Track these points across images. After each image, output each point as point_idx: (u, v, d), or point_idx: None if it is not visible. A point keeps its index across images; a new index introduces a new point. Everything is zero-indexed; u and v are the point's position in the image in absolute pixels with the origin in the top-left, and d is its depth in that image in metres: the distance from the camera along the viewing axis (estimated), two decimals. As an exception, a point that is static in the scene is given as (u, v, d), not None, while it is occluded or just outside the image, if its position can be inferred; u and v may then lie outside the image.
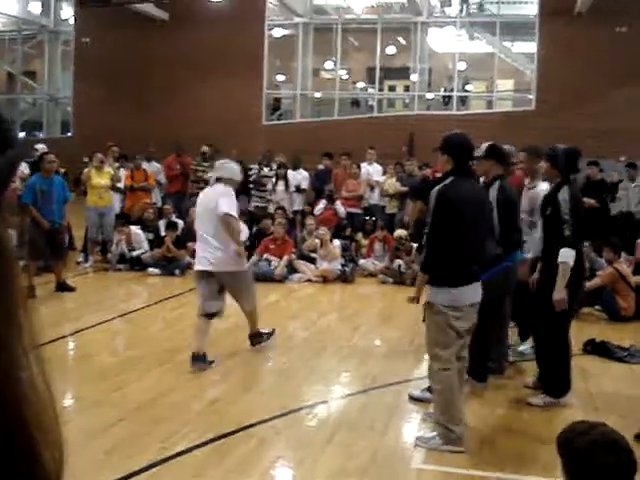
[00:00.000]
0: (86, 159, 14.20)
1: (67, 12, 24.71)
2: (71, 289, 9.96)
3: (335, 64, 23.31)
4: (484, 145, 6.43)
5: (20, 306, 0.50)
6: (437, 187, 4.89)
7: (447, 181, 4.88)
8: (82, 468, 4.46)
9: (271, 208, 13.48)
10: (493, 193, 6.09)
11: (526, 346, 7.22)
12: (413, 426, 5.34)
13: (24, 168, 13.04)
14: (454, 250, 4.82)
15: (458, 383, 4.97)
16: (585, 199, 10.72)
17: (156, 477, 4.36)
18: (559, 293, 5.63)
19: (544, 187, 6.72)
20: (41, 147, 13.70)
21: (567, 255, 5.62)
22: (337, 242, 11.74)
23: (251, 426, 5.18)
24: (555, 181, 5.96)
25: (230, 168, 7.03)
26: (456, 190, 4.84)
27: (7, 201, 0.54)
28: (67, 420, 5.28)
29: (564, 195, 5.73)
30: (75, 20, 23.40)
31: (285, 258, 11.38)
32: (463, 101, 23.11)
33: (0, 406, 0.47)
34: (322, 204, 13.02)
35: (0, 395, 0.47)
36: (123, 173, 13.02)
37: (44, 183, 9.92)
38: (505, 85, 23.90)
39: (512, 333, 7.14)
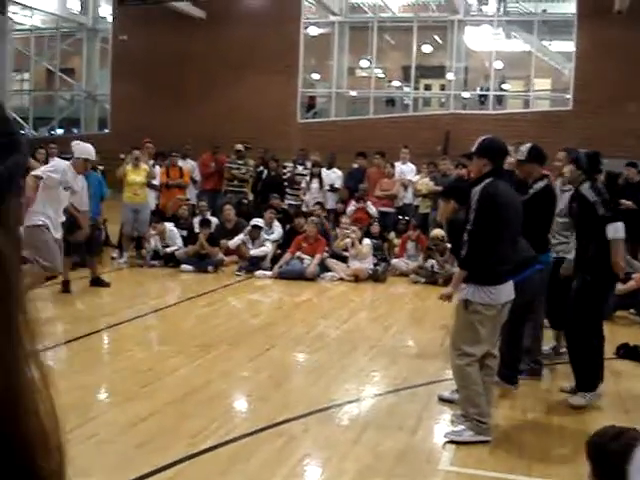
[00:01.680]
0: (122, 156, 14.35)
1: (105, 10, 24.99)
2: (106, 284, 10.08)
3: (371, 62, 23.26)
4: (524, 147, 6.44)
5: (20, 313, 0.51)
6: (479, 187, 4.93)
7: (487, 181, 4.95)
8: (113, 461, 4.54)
9: (306, 206, 13.53)
10: (536, 194, 6.13)
11: (547, 347, 7.19)
12: (442, 427, 5.32)
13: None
14: (495, 248, 4.91)
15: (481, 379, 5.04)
16: (622, 201, 10.64)
17: (184, 472, 4.40)
18: (617, 265, 5.67)
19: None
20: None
21: (615, 229, 5.65)
22: (367, 241, 11.73)
23: (280, 424, 5.21)
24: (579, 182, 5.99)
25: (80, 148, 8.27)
26: (497, 190, 4.93)
27: (13, 207, 0.56)
28: (99, 414, 5.37)
29: (585, 187, 5.80)
30: (113, 18, 23.65)
31: (317, 257, 11.39)
32: (499, 100, 22.92)
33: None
34: (353, 205, 13.02)
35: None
36: (158, 170, 13.14)
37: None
38: (542, 84, 23.65)
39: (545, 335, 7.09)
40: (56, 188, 8.20)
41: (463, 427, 5.02)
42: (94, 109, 25.37)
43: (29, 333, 0.52)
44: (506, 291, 5.01)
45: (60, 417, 0.55)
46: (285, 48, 21.65)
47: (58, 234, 8.29)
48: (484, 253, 4.89)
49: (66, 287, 9.71)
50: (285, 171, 14.86)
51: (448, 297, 5.29)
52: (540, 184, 6.24)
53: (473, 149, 5.15)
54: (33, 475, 0.50)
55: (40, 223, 7.99)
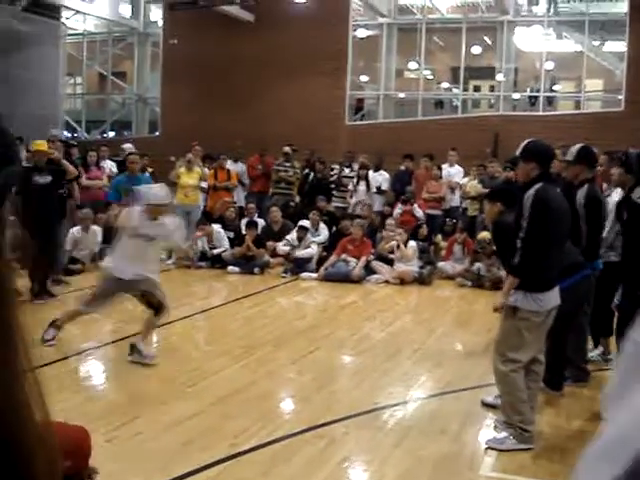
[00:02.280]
0: (173, 158, 14.55)
1: (156, 14, 25.33)
2: None
3: (419, 64, 23.15)
4: (574, 148, 6.31)
5: (15, 328, 0.53)
6: (530, 192, 4.86)
7: (538, 186, 4.87)
8: (158, 459, 4.61)
9: (354, 209, 13.55)
10: (581, 199, 6.01)
11: (594, 353, 7.06)
12: (485, 432, 5.28)
13: (112, 166, 13.49)
14: (547, 254, 4.85)
15: (525, 386, 4.98)
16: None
17: (226, 472, 4.45)
18: None
19: (615, 196, 6.59)
20: (128, 147, 14.12)
21: None
22: (413, 243, 11.68)
23: (321, 426, 5.24)
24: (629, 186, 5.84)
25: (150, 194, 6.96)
26: (549, 195, 4.88)
27: (3, 218, 0.57)
28: (145, 412, 5.46)
29: (638, 192, 5.64)
30: (163, 22, 23.97)
31: (363, 259, 11.40)
32: (550, 101, 22.61)
33: None
34: (399, 208, 12.99)
35: None
36: (207, 172, 13.29)
37: (128, 182, 10.21)
38: (594, 85, 23.26)
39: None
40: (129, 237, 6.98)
41: (505, 434, 4.97)
42: (145, 112, 25.73)
43: (24, 349, 0.53)
44: (553, 297, 4.96)
45: (52, 430, 0.56)
46: (333, 50, 21.68)
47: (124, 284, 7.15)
48: (536, 260, 4.84)
49: None
50: (332, 173, 14.88)
51: (502, 307, 5.16)
52: (584, 189, 6.09)
53: (518, 153, 5.10)
54: None
55: (108, 265, 7.13)
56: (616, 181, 6.33)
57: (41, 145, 9.48)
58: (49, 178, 9.28)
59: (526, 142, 5.15)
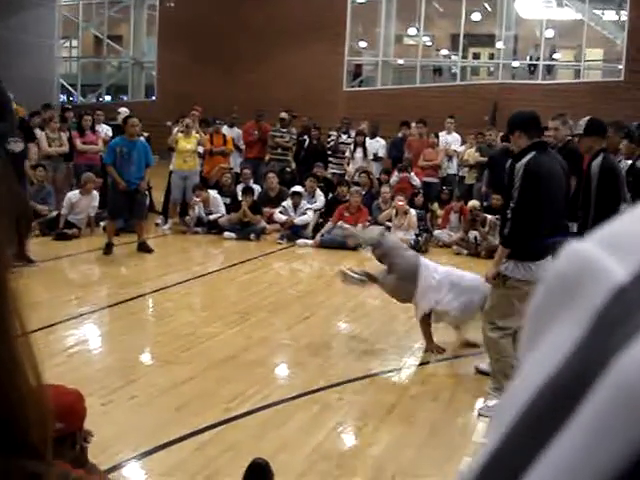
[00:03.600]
0: (169, 123, 14.46)
1: (153, -24, 25.04)
2: (149, 250, 10.22)
3: (418, 30, 22.98)
4: (582, 120, 6.32)
5: (4, 292, 0.52)
6: (523, 161, 4.85)
7: (529, 156, 4.85)
8: (152, 422, 4.65)
9: (353, 177, 13.50)
10: (595, 168, 5.98)
11: None
12: (476, 400, 5.32)
13: (107, 131, 13.41)
14: (538, 224, 4.85)
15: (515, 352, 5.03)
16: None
17: (220, 436, 4.49)
18: None
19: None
20: (124, 110, 14.03)
21: None
22: (413, 211, 11.67)
23: (315, 391, 5.27)
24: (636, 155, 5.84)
25: None
26: (540, 164, 4.84)
27: None
28: (140, 376, 5.49)
29: None
30: (161, -15, 23.72)
31: (359, 226, 11.39)
32: (549, 70, 22.49)
33: None
34: (396, 175, 12.94)
35: None
36: (203, 137, 13.21)
37: (126, 145, 10.16)
38: (594, 54, 23.12)
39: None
40: None
41: (497, 401, 5.01)
42: (141, 76, 25.56)
43: (14, 307, 0.52)
44: (545, 266, 4.96)
45: (45, 392, 0.56)
46: (332, 15, 21.49)
47: None
48: (527, 230, 4.83)
49: (109, 249, 9.88)
50: (329, 140, 14.82)
51: (495, 277, 5.16)
52: (598, 159, 6.06)
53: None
54: (21, 444, 0.51)
55: None
56: (625, 154, 6.33)
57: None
58: (22, 145, 9.15)
59: (511, 115, 5.16)
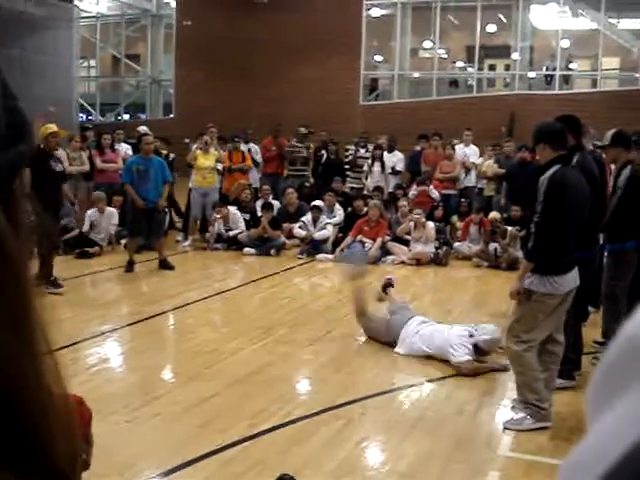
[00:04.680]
0: (187, 140, 14.55)
1: (169, -4, 25.27)
2: (171, 267, 10.27)
3: (434, 43, 23.00)
4: (609, 133, 6.39)
5: (29, 310, 0.51)
6: (547, 174, 4.82)
7: (554, 169, 4.82)
8: (177, 440, 4.65)
9: (367, 189, 13.51)
10: (623, 179, 6.02)
11: None
12: (502, 412, 5.29)
13: (127, 149, 13.51)
14: (562, 238, 4.81)
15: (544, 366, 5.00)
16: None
17: (244, 452, 4.49)
18: None
19: None
20: (143, 129, 14.12)
21: None
22: (431, 224, 11.65)
23: (339, 406, 5.26)
24: None
25: None
26: (565, 179, 4.81)
27: (18, 194, 0.55)
28: (163, 393, 5.50)
29: None
30: (177, 3, 23.92)
31: (379, 240, 11.39)
32: (566, 80, 22.42)
33: (10, 420, 0.49)
34: (414, 189, 12.93)
35: (10, 410, 0.49)
36: (221, 154, 13.29)
37: (142, 163, 10.24)
38: (610, 63, 23.02)
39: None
40: None
41: (523, 415, 4.98)
42: (159, 94, 25.75)
43: (41, 333, 0.52)
44: (571, 280, 4.92)
45: (74, 421, 0.55)
46: (348, 30, 21.57)
47: None
48: (552, 243, 4.79)
49: (130, 267, 9.95)
50: (347, 154, 14.85)
51: (519, 293, 5.07)
52: (627, 170, 6.12)
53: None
54: (45, 468, 0.51)
55: None
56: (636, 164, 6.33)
57: (53, 128, 9.40)
58: (61, 166, 9.23)
59: (536, 125, 5.13)
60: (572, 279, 4.92)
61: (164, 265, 10.26)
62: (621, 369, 0.38)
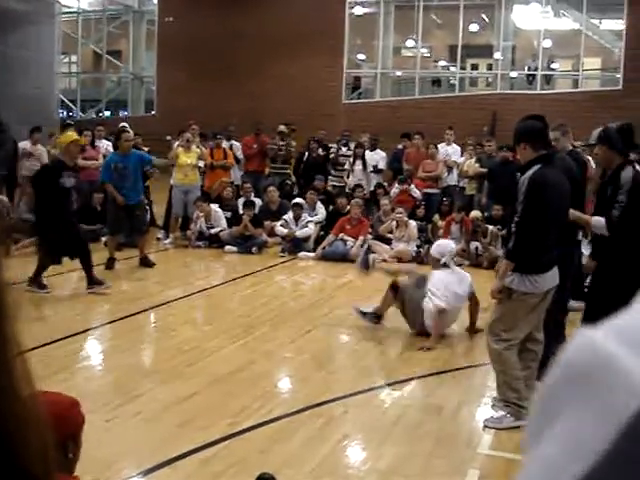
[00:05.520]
0: (169, 137, 14.48)
1: (151, -8, 25.14)
2: (151, 265, 10.22)
3: (416, 42, 23.05)
4: (595, 131, 6.34)
5: (4, 317, 0.51)
6: (527, 174, 4.84)
7: (535, 169, 4.83)
8: (157, 438, 4.63)
9: (349, 188, 13.51)
10: (626, 178, 5.95)
11: None
12: (482, 411, 5.31)
13: (107, 146, 13.43)
14: (542, 238, 4.83)
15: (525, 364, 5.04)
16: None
17: (225, 451, 4.47)
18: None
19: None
20: (124, 126, 14.03)
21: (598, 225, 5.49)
22: (413, 223, 11.68)
23: (320, 405, 5.26)
24: (616, 164, 5.75)
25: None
26: (546, 179, 4.82)
27: None
28: (144, 392, 5.47)
29: (627, 174, 5.55)
30: (159, 0, 23.80)
31: (361, 238, 11.40)
32: (548, 80, 22.55)
33: None
34: (396, 187, 12.95)
35: None
36: (203, 152, 13.24)
37: (120, 161, 10.17)
38: (592, 64, 23.19)
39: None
40: None
41: (503, 413, 5.00)
42: (141, 91, 25.61)
43: (14, 337, 0.52)
44: (550, 279, 4.94)
45: (46, 422, 0.55)
46: (331, 28, 21.56)
47: None
48: (532, 243, 4.81)
49: (111, 264, 9.87)
50: (330, 152, 14.84)
51: (499, 292, 5.07)
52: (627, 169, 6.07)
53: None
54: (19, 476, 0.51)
55: None
56: (602, 161, 6.28)
57: (74, 137, 9.04)
58: (73, 180, 8.82)
59: (516, 125, 5.13)
60: (552, 278, 4.95)
61: (145, 263, 10.20)
62: (562, 390, 0.38)
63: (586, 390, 0.36)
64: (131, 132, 11.06)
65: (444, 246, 7.59)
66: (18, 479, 0.51)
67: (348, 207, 11.94)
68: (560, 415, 0.37)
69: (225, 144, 13.89)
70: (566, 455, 0.36)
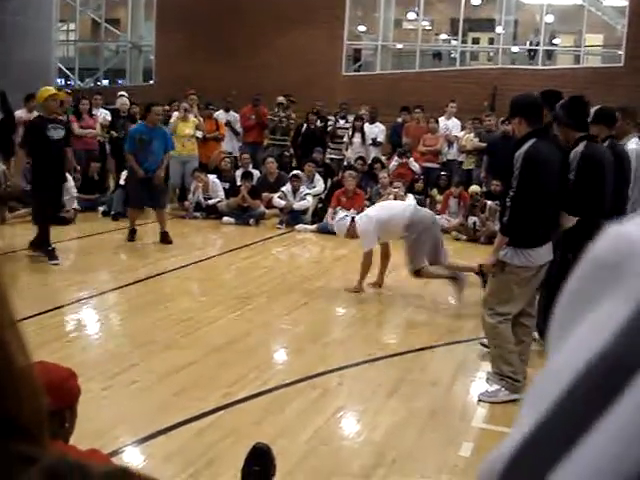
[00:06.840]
0: (167, 107, 14.39)
1: (151, -41, 24.83)
2: (170, 242, 9.95)
3: (418, 15, 22.84)
4: (592, 109, 6.33)
5: None
6: (522, 149, 4.82)
7: (529, 144, 4.81)
8: (152, 407, 4.65)
9: (347, 160, 13.46)
10: (574, 155, 5.94)
11: None
12: (476, 384, 5.33)
13: (105, 115, 13.35)
14: (537, 212, 4.84)
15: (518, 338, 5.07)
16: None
17: (219, 421, 4.49)
18: None
19: (632, 145, 6.53)
20: (123, 96, 13.95)
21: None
22: (411, 197, 11.65)
23: (315, 376, 5.28)
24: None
25: None
26: (540, 153, 4.81)
27: None
28: (140, 361, 5.48)
29: (577, 151, 5.52)
30: (159, -33, 23.52)
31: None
32: (549, 55, 22.39)
33: None
34: (395, 161, 12.90)
35: None
36: (202, 121, 13.15)
37: (146, 133, 9.99)
38: (594, 40, 23.02)
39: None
40: None
41: (497, 387, 5.03)
42: (139, 60, 25.39)
43: (6, 303, 0.52)
44: (545, 253, 4.96)
45: (41, 390, 0.55)
46: (331, -1, 21.35)
47: None
48: (526, 217, 4.82)
49: (132, 236, 9.88)
50: (328, 125, 14.76)
51: (494, 265, 5.08)
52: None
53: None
54: (9, 422, 0.51)
55: None
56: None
57: (51, 91, 8.86)
58: (62, 132, 8.71)
59: (513, 98, 5.11)
60: (546, 252, 4.97)
61: (164, 238, 9.94)
62: (589, 289, 0.38)
63: (617, 277, 0.37)
64: (159, 107, 10.76)
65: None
66: (5, 428, 0.51)
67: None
68: (589, 309, 0.38)
69: (223, 115, 13.81)
70: (585, 342, 0.37)
